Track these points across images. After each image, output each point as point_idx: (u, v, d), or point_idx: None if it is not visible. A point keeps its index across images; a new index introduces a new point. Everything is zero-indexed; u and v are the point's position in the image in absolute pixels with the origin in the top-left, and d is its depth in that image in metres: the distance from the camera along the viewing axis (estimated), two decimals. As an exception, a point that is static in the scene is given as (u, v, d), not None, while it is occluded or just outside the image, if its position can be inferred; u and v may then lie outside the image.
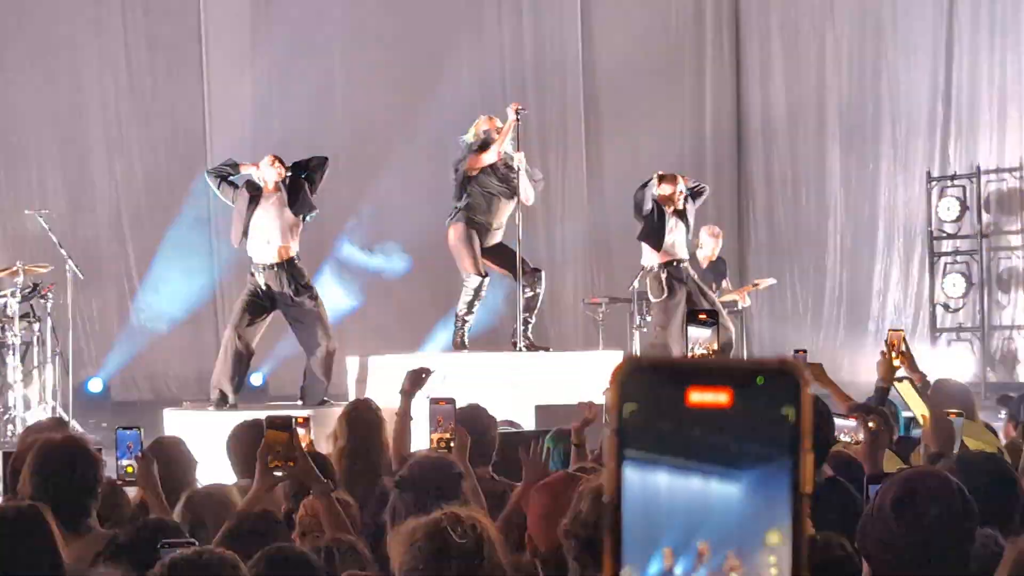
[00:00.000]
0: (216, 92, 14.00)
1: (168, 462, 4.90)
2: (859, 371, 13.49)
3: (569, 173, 14.55)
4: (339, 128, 13.85)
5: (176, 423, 8.94)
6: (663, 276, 10.47)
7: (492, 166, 10.12)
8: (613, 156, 14.66)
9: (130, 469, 4.58)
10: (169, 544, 3.32)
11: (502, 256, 10.22)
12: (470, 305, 10.23)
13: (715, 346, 3.98)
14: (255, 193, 9.70)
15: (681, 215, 10.43)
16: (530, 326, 10.24)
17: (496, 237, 10.20)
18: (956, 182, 14.13)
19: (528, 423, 8.09)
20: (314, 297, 9.84)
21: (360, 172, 13.66)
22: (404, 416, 5.74)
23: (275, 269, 9.66)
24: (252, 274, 9.77)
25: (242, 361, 9.71)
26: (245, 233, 9.70)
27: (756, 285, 12.35)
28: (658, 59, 14.85)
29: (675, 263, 10.43)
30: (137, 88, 14.10)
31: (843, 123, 14.66)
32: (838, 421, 4.68)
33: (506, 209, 10.12)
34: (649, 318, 11.25)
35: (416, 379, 5.89)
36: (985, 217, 13.97)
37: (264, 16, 14.29)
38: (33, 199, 12.67)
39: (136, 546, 3.57)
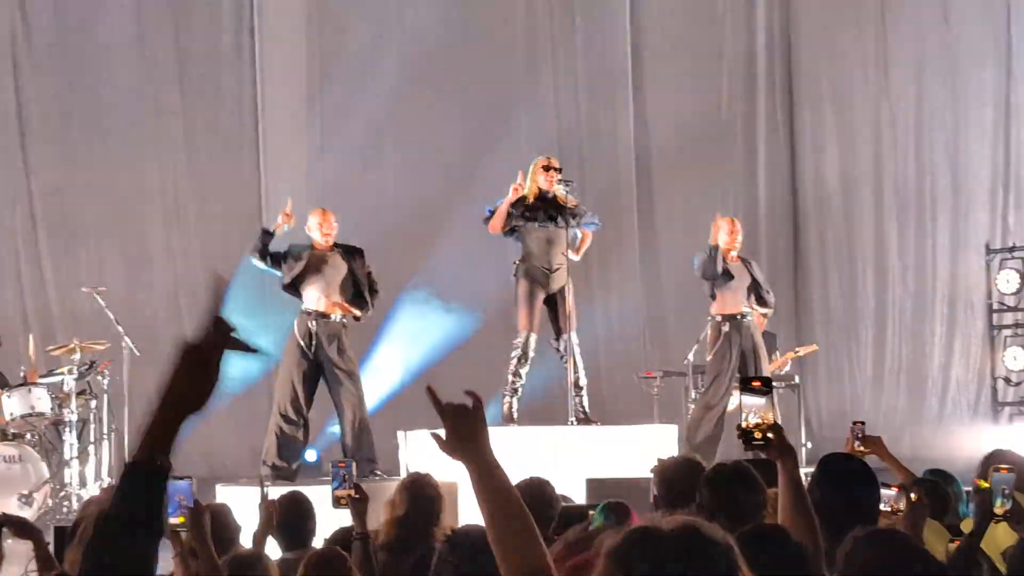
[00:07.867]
0: (271, 168, 14.08)
1: (214, 527, 4.86)
2: (920, 445, 13.26)
3: (623, 245, 14.48)
4: (393, 199, 13.89)
5: (227, 498, 8.88)
6: (723, 328, 10.29)
7: (538, 207, 10.08)
8: (666, 229, 14.59)
9: (182, 519, 4.31)
10: None
11: (555, 312, 10.13)
12: (518, 365, 10.08)
13: (770, 416, 3.61)
14: (308, 253, 9.67)
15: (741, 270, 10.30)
16: (583, 399, 10.09)
17: (559, 280, 10.07)
18: (1016, 254, 13.94)
19: (579, 497, 7.99)
20: (352, 365, 9.75)
21: (414, 244, 13.66)
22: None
23: (326, 320, 9.56)
24: (298, 326, 9.61)
25: (294, 435, 9.62)
26: (297, 283, 9.62)
27: (797, 352, 12.14)
28: (711, 132, 14.79)
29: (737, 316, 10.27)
30: (195, 166, 14.23)
31: (899, 194, 14.52)
32: (882, 491, 4.59)
33: (560, 248, 10.05)
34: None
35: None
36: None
37: (318, 93, 14.41)
38: (91, 277, 12.74)
39: None
